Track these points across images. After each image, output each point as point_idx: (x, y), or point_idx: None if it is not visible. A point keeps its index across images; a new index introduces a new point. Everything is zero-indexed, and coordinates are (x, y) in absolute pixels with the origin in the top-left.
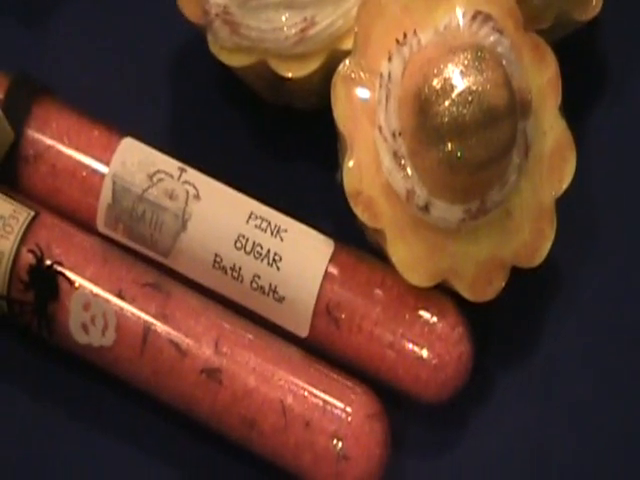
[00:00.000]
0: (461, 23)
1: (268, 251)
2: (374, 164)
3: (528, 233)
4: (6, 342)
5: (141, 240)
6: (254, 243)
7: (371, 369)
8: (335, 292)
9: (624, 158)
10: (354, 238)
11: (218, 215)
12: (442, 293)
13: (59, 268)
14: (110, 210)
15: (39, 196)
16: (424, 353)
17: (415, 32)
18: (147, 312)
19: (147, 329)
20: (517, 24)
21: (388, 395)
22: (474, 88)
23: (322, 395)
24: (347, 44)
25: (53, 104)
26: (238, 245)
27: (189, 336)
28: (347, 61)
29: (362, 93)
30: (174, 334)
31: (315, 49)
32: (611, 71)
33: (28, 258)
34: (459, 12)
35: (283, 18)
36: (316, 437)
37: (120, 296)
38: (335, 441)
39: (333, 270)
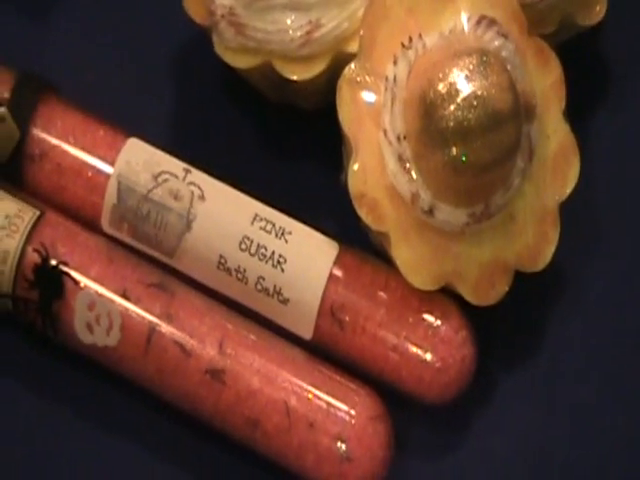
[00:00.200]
0: (466, 27)
1: (273, 253)
2: (379, 167)
3: (532, 237)
4: (11, 340)
5: (146, 240)
6: (259, 245)
7: (375, 371)
8: (339, 294)
9: (627, 162)
10: (358, 240)
11: (223, 216)
12: (446, 296)
13: (64, 268)
14: (115, 210)
15: (44, 195)
16: (428, 356)
17: (420, 36)
18: (152, 312)
19: (151, 329)
20: (521, 28)
21: (391, 397)
22: (479, 93)
23: (326, 397)
24: (352, 47)
25: (58, 103)
26: (243, 246)
27: (193, 336)
28: (352, 64)
29: (367, 96)
30: (178, 334)
31: (320, 51)
32: (615, 75)
33: (33, 257)
34: (464, 16)
35: (289, 20)
36: (320, 438)
37: (125, 296)
38: (338, 442)
39: (337, 272)
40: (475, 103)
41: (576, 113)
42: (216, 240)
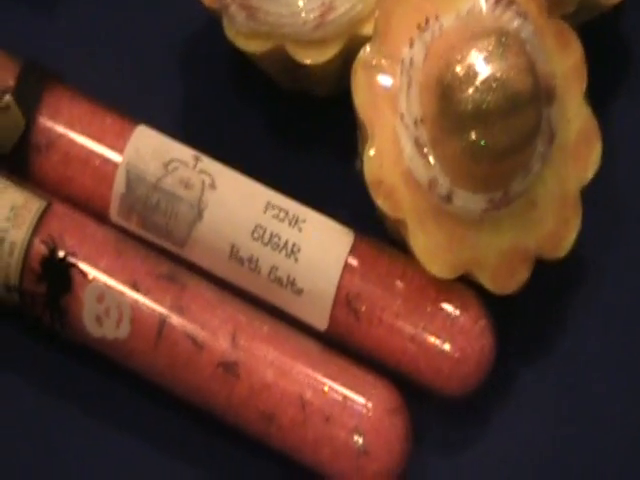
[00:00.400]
0: (484, 7)
1: (286, 242)
2: (395, 152)
3: (553, 223)
4: (18, 335)
5: (155, 230)
6: (272, 234)
7: (392, 362)
8: (355, 284)
9: None
10: (373, 229)
11: (234, 205)
12: (464, 285)
13: (72, 259)
14: (124, 199)
15: (51, 185)
16: (446, 346)
17: (437, 17)
18: (162, 304)
19: (162, 321)
20: (541, 8)
21: (409, 389)
22: (498, 75)
23: (342, 389)
24: (367, 29)
25: (65, 91)
26: (255, 235)
27: (205, 329)
28: (367, 47)
29: (383, 80)
30: (190, 327)
31: (334, 34)
32: (637, 56)
33: (41, 249)
34: None
35: (301, 2)
36: (336, 432)
37: (135, 288)
38: (355, 436)
39: (353, 261)
40: (494, 86)
41: (597, 96)
42: (228, 229)
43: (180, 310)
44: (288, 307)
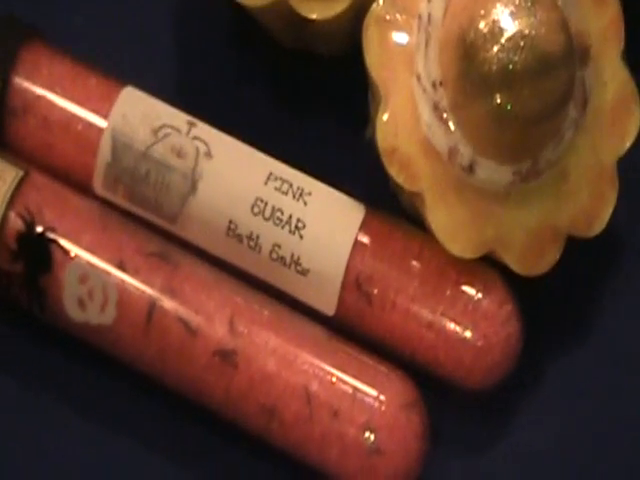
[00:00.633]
0: None
1: (290, 217)
2: (412, 118)
3: (586, 198)
4: None
5: (145, 204)
6: (274, 208)
7: (407, 351)
8: (366, 264)
9: None
10: (385, 203)
11: (232, 176)
12: (488, 266)
13: (52, 235)
14: (109, 169)
15: (28, 153)
16: (467, 334)
17: None
18: (152, 286)
19: (152, 305)
20: None
21: (426, 381)
22: (526, 32)
23: (352, 381)
24: None
25: (44, 49)
26: (255, 210)
27: (200, 313)
28: (381, 0)
29: (398, 37)
30: (183, 311)
31: None
32: None
33: (17, 224)
34: None
35: None
36: (345, 428)
37: (121, 267)
38: (366, 433)
39: (364, 239)
40: (522, 44)
41: (636, 57)
42: (225, 203)
43: (172, 292)
44: (292, 289)
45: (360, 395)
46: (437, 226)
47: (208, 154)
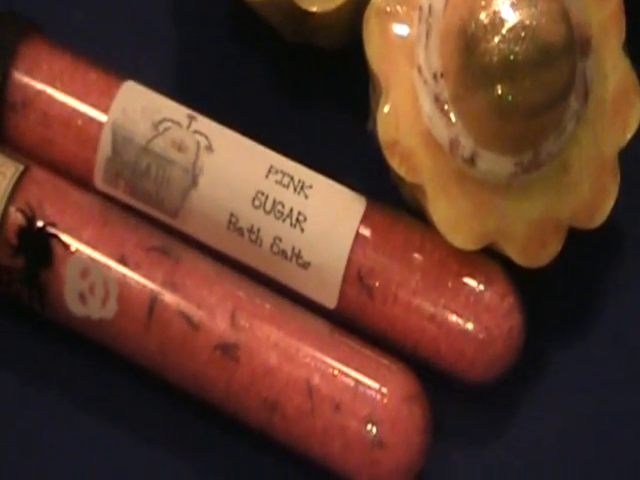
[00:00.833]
0: None
1: (291, 210)
2: (413, 110)
3: (588, 189)
4: None
5: (145, 198)
6: (275, 201)
7: (409, 344)
8: (368, 257)
9: None
10: (387, 195)
11: (233, 169)
12: (490, 258)
13: (52, 230)
14: (110, 164)
15: (29, 148)
16: (469, 326)
17: None
18: (153, 280)
19: (153, 299)
20: None
21: (428, 374)
22: (527, 22)
23: (354, 374)
24: None
25: (43, 44)
26: (256, 203)
27: (201, 307)
28: None
29: (399, 29)
30: (184, 305)
31: None
32: None
33: (17, 218)
34: None
35: None
36: (347, 421)
37: (122, 262)
38: (369, 426)
39: (365, 232)
40: (523, 35)
41: (638, 48)
42: (226, 197)
43: (173, 286)
44: (293, 283)
45: (362, 388)
46: (438, 218)
47: (209, 148)
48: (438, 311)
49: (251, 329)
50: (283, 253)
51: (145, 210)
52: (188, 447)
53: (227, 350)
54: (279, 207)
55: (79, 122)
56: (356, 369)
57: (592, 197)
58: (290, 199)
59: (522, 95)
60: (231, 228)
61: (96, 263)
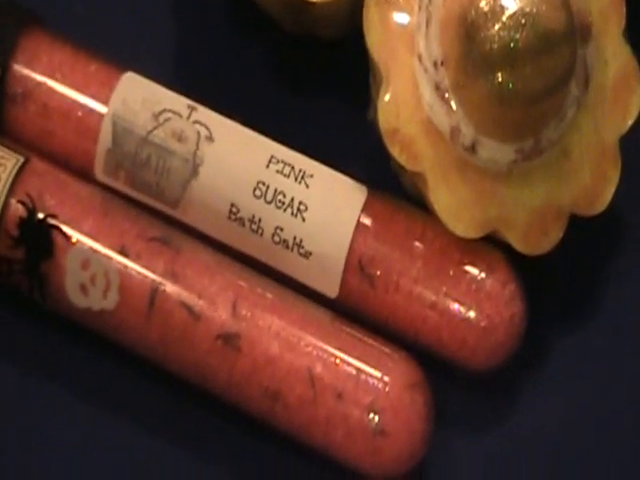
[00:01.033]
0: None
1: (292, 200)
2: (413, 98)
3: (589, 176)
4: None
5: (146, 189)
6: (276, 191)
7: (411, 333)
8: (369, 246)
9: None
10: (387, 184)
11: (234, 159)
12: (491, 245)
13: (53, 221)
14: (110, 155)
15: (29, 140)
16: (471, 314)
17: None
18: (154, 270)
19: (154, 290)
20: None
21: (430, 362)
22: (527, 10)
23: (355, 363)
24: None
25: (44, 35)
26: (257, 193)
27: (203, 297)
28: None
29: (399, 17)
30: (185, 295)
31: None
32: None
33: (18, 210)
34: None
35: None
36: (349, 410)
37: (123, 252)
38: (371, 414)
39: (366, 221)
40: (523, 22)
41: (638, 35)
42: (226, 187)
43: (174, 276)
44: (294, 272)
45: (364, 377)
46: (440, 206)
47: (209, 138)
48: (439, 299)
49: (252, 318)
50: (284, 243)
51: (146, 201)
52: (190, 437)
53: (229, 340)
54: (280, 197)
55: (79, 113)
56: (358, 358)
57: (593, 184)
58: (291, 189)
59: (522, 82)
60: (232, 218)
61: (97, 254)
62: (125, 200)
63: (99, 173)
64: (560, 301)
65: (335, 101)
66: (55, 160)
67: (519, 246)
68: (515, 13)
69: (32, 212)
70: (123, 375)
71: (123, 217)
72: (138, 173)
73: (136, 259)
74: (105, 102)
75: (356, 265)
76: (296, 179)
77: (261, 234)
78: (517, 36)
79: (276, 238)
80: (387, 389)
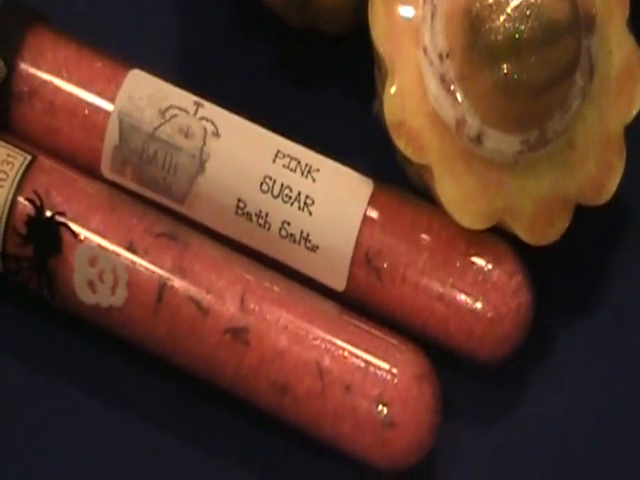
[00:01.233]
0: None
1: (298, 194)
2: (419, 90)
3: (594, 166)
4: (2, 303)
5: (153, 185)
6: (282, 185)
7: (418, 324)
8: (376, 238)
9: None
10: (393, 177)
11: (240, 154)
12: (497, 236)
13: (61, 218)
14: (117, 152)
15: (36, 138)
16: (478, 305)
17: None
18: (162, 266)
19: (163, 285)
20: None
21: (438, 353)
22: (532, 1)
23: (363, 355)
24: None
25: (49, 33)
26: (264, 188)
27: (211, 292)
28: None
29: (404, 10)
30: (193, 290)
31: None
32: None
33: (26, 208)
34: None
35: None
36: (358, 402)
37: (131, 248)
38: (379, 406)
39: (373, 213)
40: (528, 13)
41: None
42: (233, 182)
43: (182, 272)
44: (302, 266)
45: (372, 369)
46: (446, 198)
47: (216, 134)
48: (446, 290)
49: (260, 312)
50: (292, 237)
51: (153, 197)
52: (199, 431)
53: (237, 334)
54: (287, 191)
55: (85, 111)
56: (366, 350)
57: (598, 173)
58: (298, 183)
59: (528, 73)
60: (239, 213)
61: (105, 250)
62: (132, 196)
63: (106, 170)
64: (566, 292)
65: (340, 95)
66: (62, 157)
67: (525, 237)
68: (520, 4)
69: (40, 210)
70: (131, 371)
71: (130, 213)
72: (145, 169)
73: (144, 255)
74: (111, 99)
75: (363, 258)
76: (302, 173)
77: (268, 228)
78: (522, 27)
79: (283, 232)
80: (395, 381)
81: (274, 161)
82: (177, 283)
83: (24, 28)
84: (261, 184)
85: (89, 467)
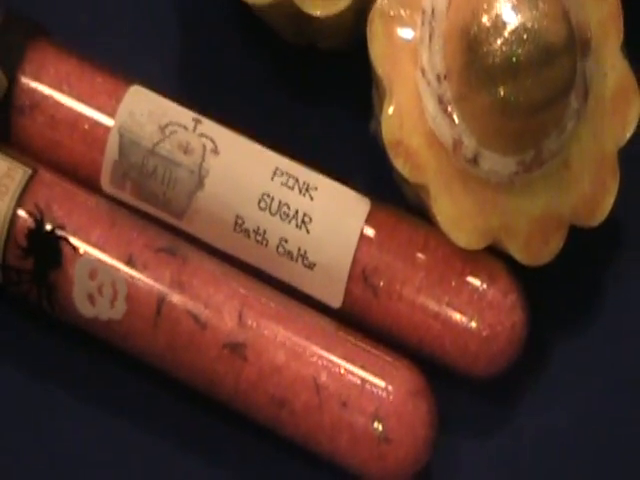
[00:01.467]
0: None
1: (296, 211)
2: (416, 111)
3: (588, 186)
4: (1, 315)
5: (152, 200)
6: (280, 202)
7: (414, 341)
8: (372, 256)
9: None
10: (390, 196)
11: (239, 171)
12: (493, 256)
13: (61, 232)
14: (117, 166)
15: (36, 151)
16: (473, 323)
17: None
18: (161, 280)
19: (161, 299)
20: None
21: (433, 370)
22: (529, 24)
23: (360, 372)
24: None
25: (50, 47)
26: (262, 205)
27: (209, 306)
28: None
29: (403, 32)
30: (192, 304)
31: None
32: None
33: (26, 221)
34: None
35: None
36: (354, 418)
37: (130, 263)
38: (375, 423)
39: (370, 231)
40: (524, 36)
41: (636, 48)
42: (232, 198)
43: (181, 286)
44: (299, 283)
45: (368, 385)
46: (442, 217)
47: (215, 150)
48: (442, 309)
49: (258, 328)
50: (289, 254)
51: (152, 212)
52: (197, 444)
53: (235, 349)
54: (285, 209)
55: (86, 125)
56: (362, 367)
57: (593, 194)
58: (295, 201)
59: (524, 94)
60: (237, 229)
61: (104, 264)
62: (132, 211)
63: (105, 184)
64: (561, 310)
65: (339, 113)
66: (62, 171)
67: (520, 256)
68: (517, 28)
69: (40, 223)
70: (130, 383)
71: (130, 227)
72: (144, 184)
73: (143, 269)
74: (111, 113)
75: (360, 275)
76: (300, 191)
77: (266, 245)
78: (519, 50)
79: (281, 249)
80: (391, 397)
81: (272, 179)
82: (176, 297)
83: (26, 41)
84: (259, 201)
85: (89, 477)
